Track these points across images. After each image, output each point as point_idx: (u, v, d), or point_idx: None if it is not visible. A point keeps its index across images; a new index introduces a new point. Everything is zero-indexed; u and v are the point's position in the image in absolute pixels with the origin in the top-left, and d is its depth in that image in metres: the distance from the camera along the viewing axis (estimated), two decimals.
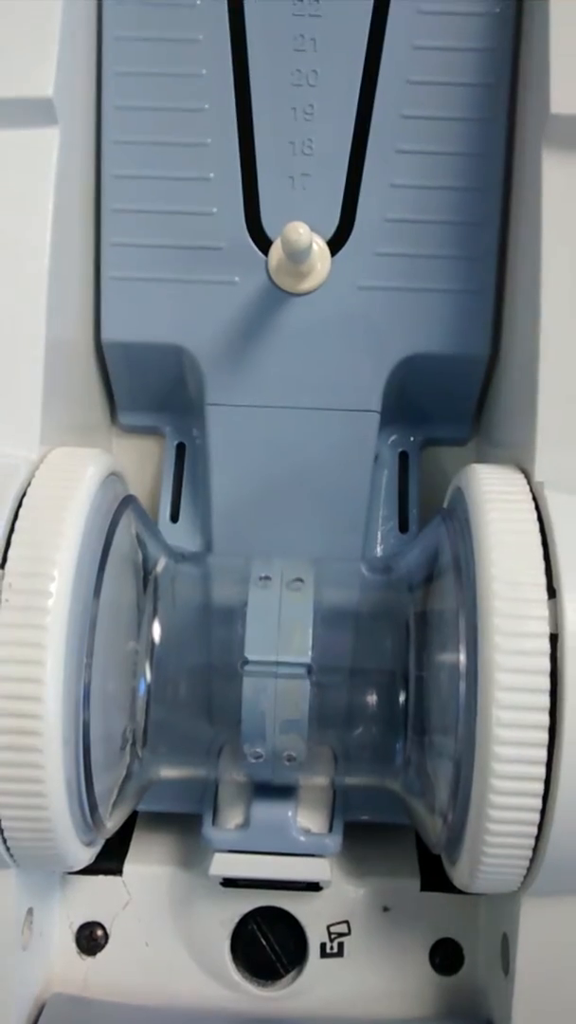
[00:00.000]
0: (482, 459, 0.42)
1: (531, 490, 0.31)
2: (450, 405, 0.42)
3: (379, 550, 0.42)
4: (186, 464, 0.42)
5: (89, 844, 0.31)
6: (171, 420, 0.43)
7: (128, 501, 0.34)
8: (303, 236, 0.33)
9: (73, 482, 0.30)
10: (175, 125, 0.38)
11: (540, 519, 0.30)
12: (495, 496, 0.31)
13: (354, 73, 0.38)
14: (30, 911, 0.33)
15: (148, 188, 0.38)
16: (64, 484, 0.30)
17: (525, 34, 0.37)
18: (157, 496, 0.42)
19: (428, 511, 0.42)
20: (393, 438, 0.43)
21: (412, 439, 0.43)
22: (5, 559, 0.28)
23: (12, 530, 0.29)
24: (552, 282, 0.33)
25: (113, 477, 0.33)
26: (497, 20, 0.37)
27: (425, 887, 0.36)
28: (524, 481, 0.32)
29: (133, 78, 0.38)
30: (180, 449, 0.43)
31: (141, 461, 0.43)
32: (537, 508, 0.31)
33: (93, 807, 0.30)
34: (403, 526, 0.42)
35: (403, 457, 0.43)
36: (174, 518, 0.42)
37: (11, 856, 0.30)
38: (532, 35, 0.36)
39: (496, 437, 0.40)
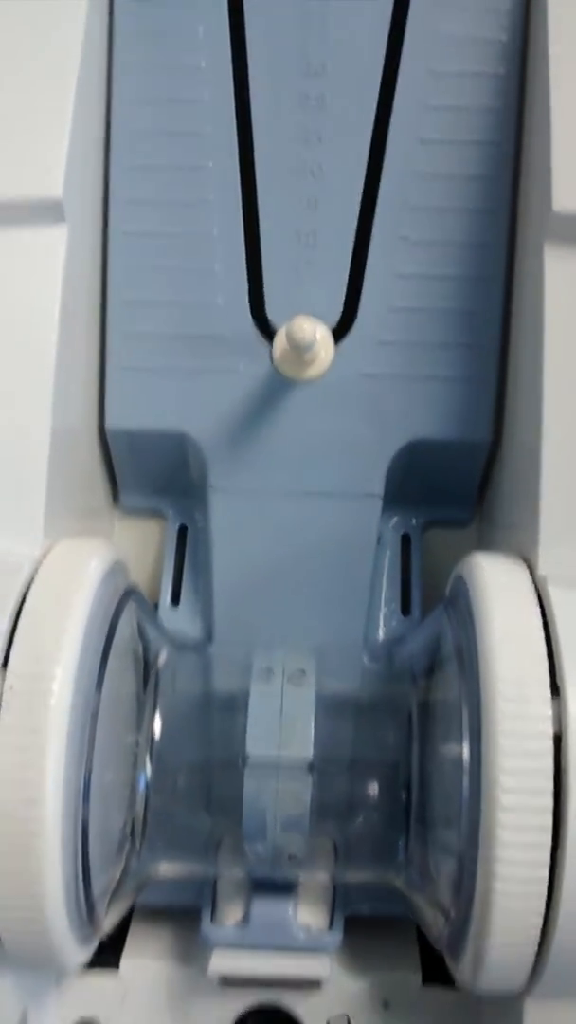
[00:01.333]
0: (484, 542, 0.42)
1: (534, 583, 0.31)
2: (452, 488, 0.42)
3: (381, 632, 0.41)
4: (188, 547, 0.42)
5: (85, 943, 0.31)
6: (173, 503, 0.43)
7: (129, 593, 0.34)
8: (308, 332, 0.34)
9: (75, 581, 0.30)
10: (182, 217, 0.39)
11: (543, 614, 0.30)
12: (498, 590, 0.31)
13: (359, 165, 0.38)
14: (25, 1012, 0.32)
15: (155, 278, 0.39)
16: (66, 584, 0.30)
17: (527, 128, 0.38)
18: (159, 577, 0.42)
19: (430, 592, 0.42)
20: (395, 520, 0.43)
21: (414, 521, 0.43)
22: (7, 659, 0.28)
23: (14, 630, 0.29)
24: (554, 376, 0.33)
25: (115, 568, 0.33)
26: (500, 114, 0.38)
27: (427, 980, 0.36)
28: (527, 574, 0.32)
29: (142, 171, 0.39)
30: (182, 531, 0.43)
31: (143, 543, 0.43)
32: (540, 603, 0.31)
33: (91, 906, 0.30)
34: (405, 608, 0.42)
35: (405, 539, 0.43)
36: (175, 601, 0.41)
37: (6, 957, 0.29)
38: (534, 130, 0.37)
39: (499, 521, 0.40)
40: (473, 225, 0.39)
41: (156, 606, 0.41)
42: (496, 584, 0.31)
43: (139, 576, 0.41)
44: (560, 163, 0.33)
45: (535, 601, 0.30)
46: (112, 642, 0.31)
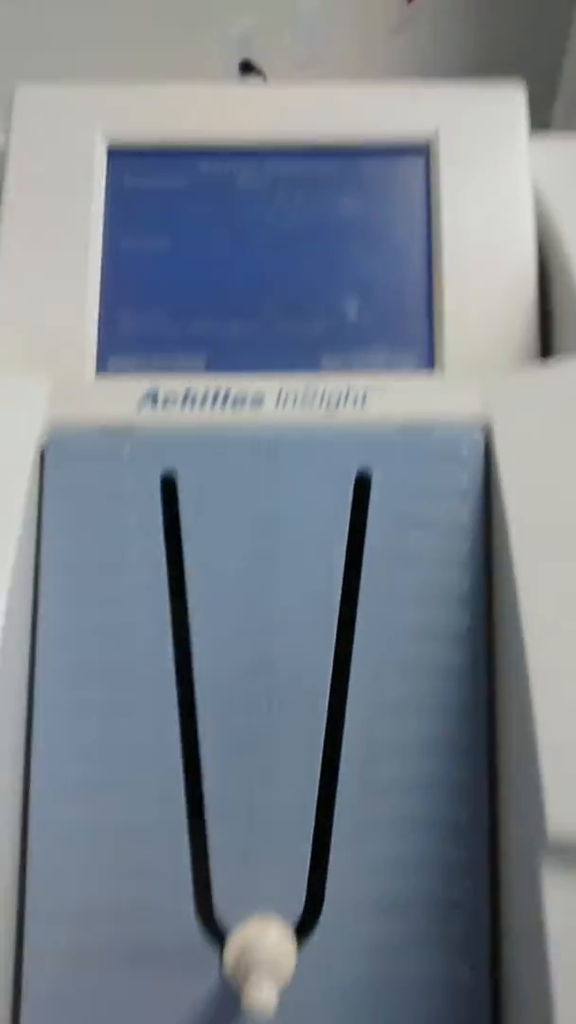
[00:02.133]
0: None
1: None
2: None
3: None
4: None
5: None
6: None
7: None
8: (265, 1002, 0.28)
9: None
10: (113, 806, 0.34)
11: None
12: None
13: (315, 733, 0.34)
14: None
15: (78, 887, 0.33)
16: None
17: (509, 727, 0.34)
18: None
19: None
20: None
21: None
22: None
23: None
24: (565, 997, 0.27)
25: None
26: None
27: None
28: None
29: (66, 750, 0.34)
30: None
31: None
32: None
33: None
34: None
35: None
36: None
37: None
38: (513, 736, 0.33)
39: None
40: (450, 802, 0.34)
41: None
42: None
43: None
44: (552, 786, 0.29)
45: None
46: None
